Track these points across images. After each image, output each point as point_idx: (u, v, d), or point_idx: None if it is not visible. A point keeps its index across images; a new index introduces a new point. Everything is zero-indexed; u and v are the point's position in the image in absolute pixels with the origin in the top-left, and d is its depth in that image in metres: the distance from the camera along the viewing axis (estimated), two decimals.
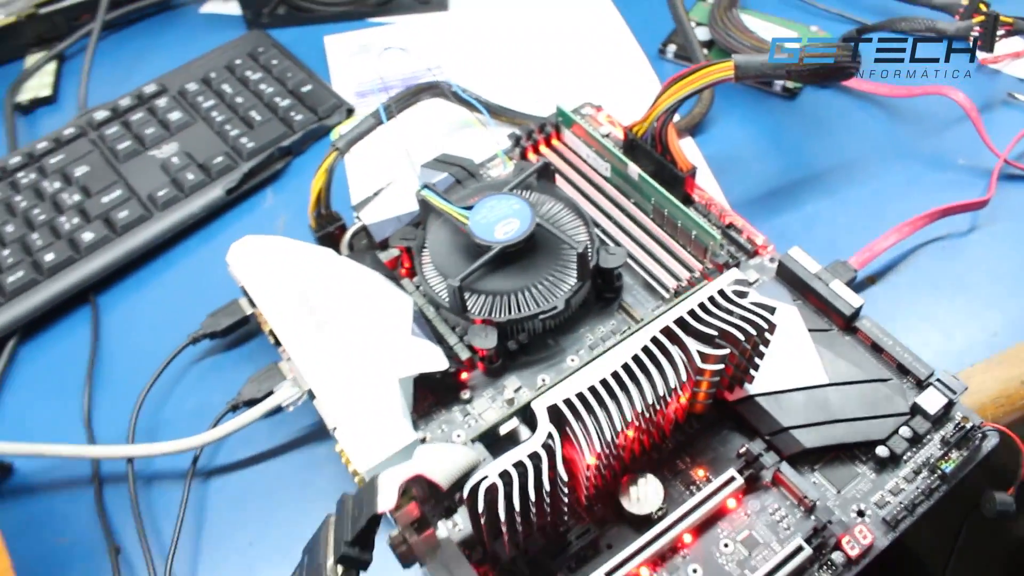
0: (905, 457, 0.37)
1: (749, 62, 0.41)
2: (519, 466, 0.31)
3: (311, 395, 0.39)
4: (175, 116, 0.53)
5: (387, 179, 0.46)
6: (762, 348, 0.36)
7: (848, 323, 0.41)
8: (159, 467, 0.41)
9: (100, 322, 0.47)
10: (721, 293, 0.35)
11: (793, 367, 0.39)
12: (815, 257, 0.41)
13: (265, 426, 0.41)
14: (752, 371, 0.37)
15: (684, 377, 0.33)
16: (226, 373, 0.44)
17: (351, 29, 0.64)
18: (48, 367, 0.46)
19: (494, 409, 0.40)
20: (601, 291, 0.43)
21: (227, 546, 0.39)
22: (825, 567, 0.34)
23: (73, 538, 0.39)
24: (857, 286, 0.43)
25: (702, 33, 0.59)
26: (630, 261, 0.44)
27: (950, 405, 0.38)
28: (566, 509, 0.34)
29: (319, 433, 0.41)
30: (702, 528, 0.36)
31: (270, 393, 0.39)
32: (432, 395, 0.40)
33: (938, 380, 0.38)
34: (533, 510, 0.31)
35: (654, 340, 0.33)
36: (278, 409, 0.39)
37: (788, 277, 0.43)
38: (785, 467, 0.37)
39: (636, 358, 0.33)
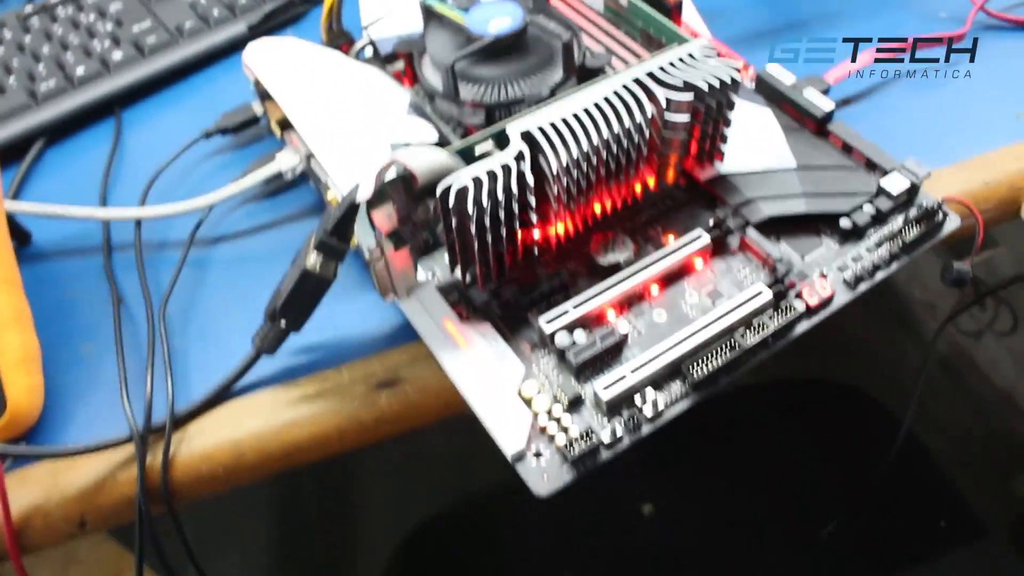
0: (868, 233, 0.39)
1: None
2: (491, 175, 0.33)
3: (310, 163, 0.41)
4: None
5: (397, 5, 0.49)
6: (728, 113, 0.38)
7: (820, 126, 0.43)
8: (166, 236, 0.44)
9: (122, 133, 0.50)
10: (690, 55, 0.37)
11: (764, 154, 0.41)
12: None
13: (268, 204, 0.44)
14: (721, 144, 0.40)
15: (651, 115, 0.35)
16: (234, 171, 0.47)
17: None
18: (71, 171, 0.49)
19: None
20: None
21: (221, 298, 0.41)
22: (783, 311, 0.36)
23: (82, 292, 0.42)
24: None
25: None
26: (613, 70, 0.46)
27: (914, 189, 0.40)
28: (537, 239, 0.36)
29: (318, 209, 0.44)
30: (669, 282, 0.38)
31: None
32: None
33: (902, 166, 0.40)
34: (503, 216, 0.34)
35: (625, 87, 0.36)
36: (279, 178, 0.42)
37: (765, 91, 0.45)
38: (751, 231, 0.38)
39: (607, 99, 0.35)
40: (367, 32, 0.48)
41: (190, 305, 0.41)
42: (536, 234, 0.37)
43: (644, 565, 0.58)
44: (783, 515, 0.61)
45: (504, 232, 0.35)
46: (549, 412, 0.33)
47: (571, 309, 0.35)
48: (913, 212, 0.39)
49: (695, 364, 0.34)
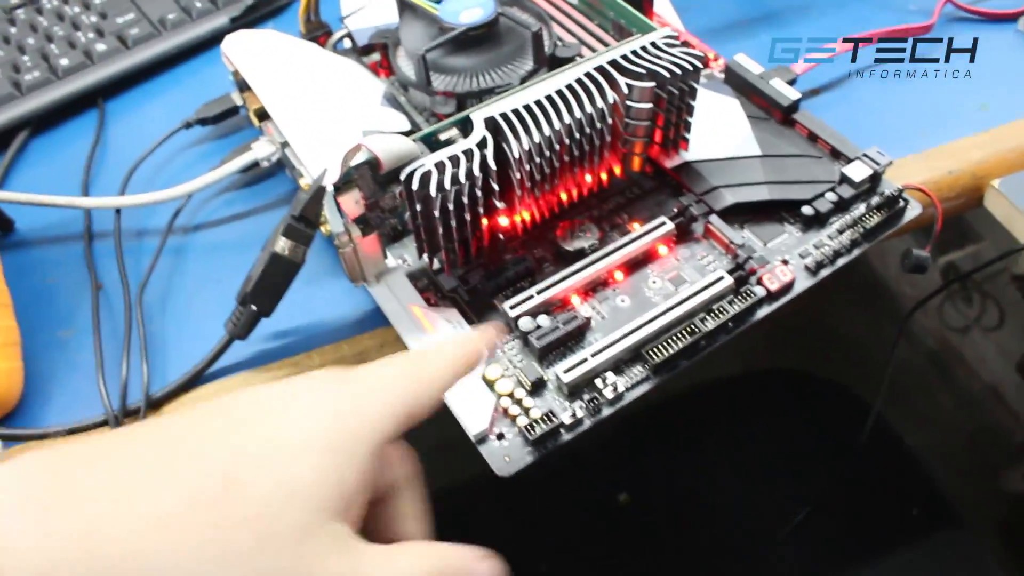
0: (831, 220, 0.40)
1: None
2: (453, 160, 0.34)
3: (285, 152, 0.42)
4: None
5: None
6: (691, 101, 0.39)
7: (786, 115, 0.43)
8: (145, 224, 0.45)
9: (105, 124, 0.51)
10: (652, 44, 0.38)
11: (730, 143, 0.42)
12: None
13: (245, 193, 0.45)
14: (685, 132, 0.40)
15: (612, 102, 0.36)
16: (214, 160, 0.47)
17: None
18: (54, 161, 0.50)
19: None
20: None
21: (198, 285, 0.42)
22: (743, 297, 0.36)
23: (62, 279, 0.43)
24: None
25: None
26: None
27: (876, 177, 0.40)
28: (503, 225, 0.37)
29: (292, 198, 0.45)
30: (633, 268, 0.39)
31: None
32: None
33: (865, 155, 0.40)
34: (467, 202, 0.34)
35: (587, 74, 0.37)
36: (255, 166, 0.43)
37: (734, 82, 0.45)
38: (715, 218, 0.39)
39: (569, 86, 0.36)
40: (345, 23, 0.49)
41: (167, 291, 0.42)
42: (502, 220, 0.37)
43: (620, 554, 0.59)
44: (758, 505, 0.62)
45: (469, 217, 0.35)
46: (511, 395, 0.34)
47: (535, 294, 0.36)
48: (875, 200, 0.39)
49: (655, 348, 0.35)
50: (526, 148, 0.35)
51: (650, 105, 0.37)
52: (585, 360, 0.34)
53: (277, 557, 0.21)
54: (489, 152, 0.34)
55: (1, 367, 0.38)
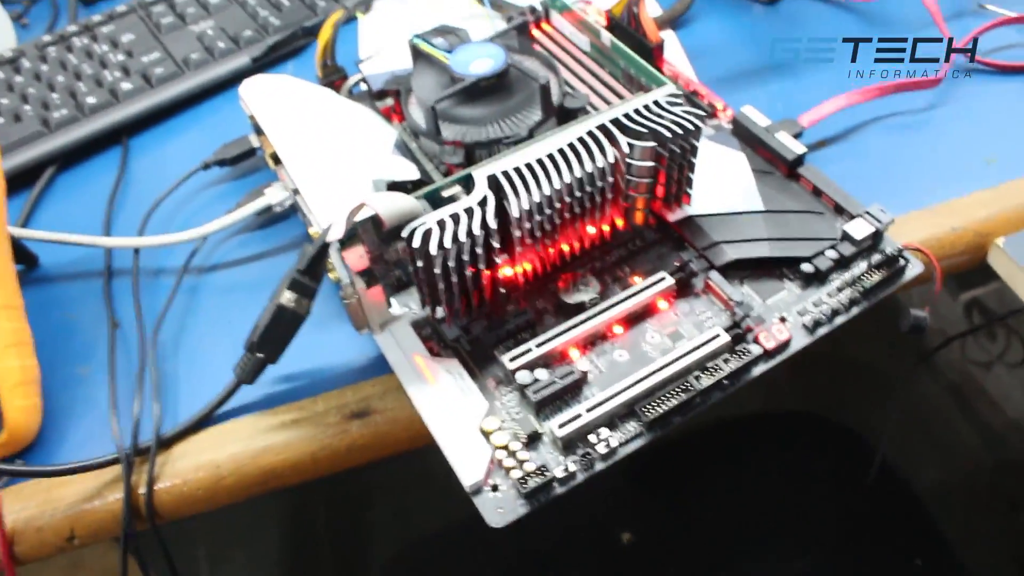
0: (831, 278, 0.40)
1: None
2: (454, 218, 0.35)
3: (297, 198, 0.43)
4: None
5: (392, 43, 0.51)
6: (692, 159, 0.39)
7: (791, 169, 0.44)
8: (162, 263, 0.46)
9: (128, 159, 0.53)
10: (655, 102, 0.39)
11: (733, 197, 0.42)
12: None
13: (259, 235, 0.46)
14: (687, 188, 0.41)
15: (613, 160, 0.37)
16: (231, 201, 0.49)
17: None
18: (79, 196, 0.52)
19: None
20: None
21: (211, 325, 0.43)
22: (739, 355, 0.37)
23: (81, 315, 0.45)
24: (806, 146, 0.46)
25: None
26: (592, 109, 0.47)
27: (877, 235, 0.40)
28: (502, 279, 0.38)
29: (305, 241, 0.46)
30: (632, 322, 0.39)
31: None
32: None
33: (867, 212, 0.41)
34: (467, 258, 0.35)
35: (589, 133, 0.37)
36: (269, 211, 0.44)
37: (741, 133, 0.46)
38: (714, 274, 0.40)
39: (571, 145, 0.37)
40: (360, 68, 0.50)
41: (181, 331, 0.43)
42: (504, 273, 0.38)
43: None
44: (760, 546, 0.62)
45: (469, 273, 0.36)
46: (507, 447, 0.35)
47: (534, 347, 0.37)
48: (876, 258, 0.40)
49: (649, 405, 0.35)
50: (526, 207, 0.36)
51: (651, 163, 0.38)
52: (580, 415, 0.35)
53: None
54: (490, 210, 0.35)
55: (20, 404, 0.39)
